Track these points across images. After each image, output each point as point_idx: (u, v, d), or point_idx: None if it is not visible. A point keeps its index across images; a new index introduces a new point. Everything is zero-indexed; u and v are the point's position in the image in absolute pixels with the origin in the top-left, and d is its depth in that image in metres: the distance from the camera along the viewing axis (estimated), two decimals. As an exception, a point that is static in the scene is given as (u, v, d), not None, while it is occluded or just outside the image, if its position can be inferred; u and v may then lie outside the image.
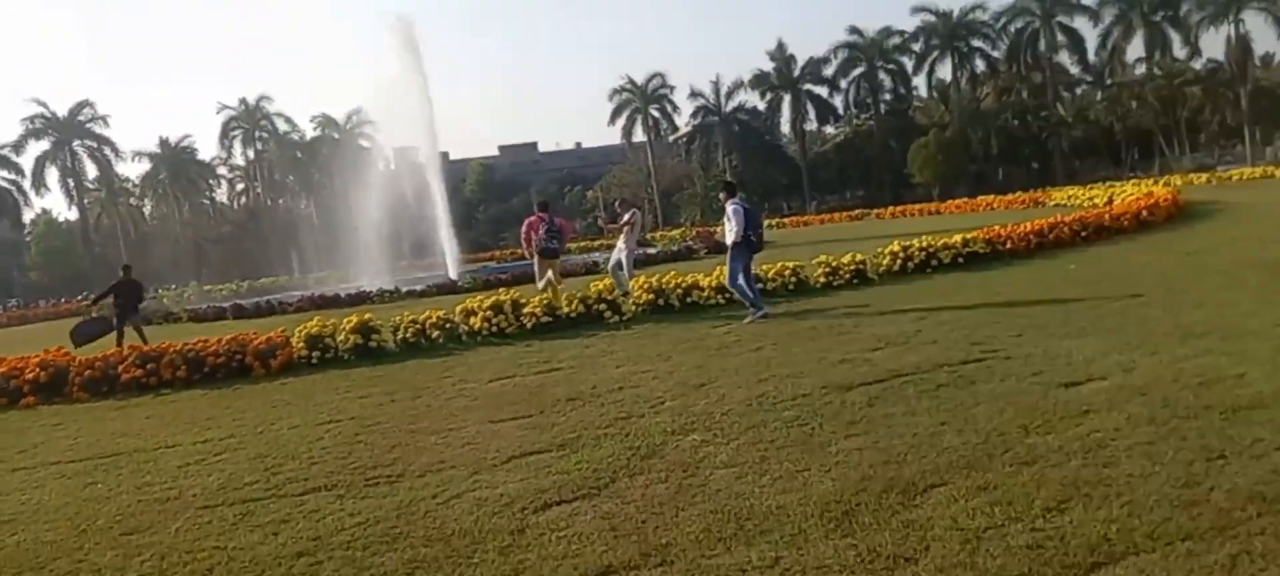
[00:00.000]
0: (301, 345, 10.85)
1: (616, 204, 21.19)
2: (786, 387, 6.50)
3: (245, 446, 6.70)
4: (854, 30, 61.82)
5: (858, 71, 62.58)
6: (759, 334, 9.25)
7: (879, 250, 13.75)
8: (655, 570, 3.61)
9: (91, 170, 65.05)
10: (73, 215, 68.41)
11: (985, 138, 60.04)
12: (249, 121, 68.02)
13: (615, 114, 66.45)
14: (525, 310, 11.44)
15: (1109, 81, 59.74)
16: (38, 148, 62.88)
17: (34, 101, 63.24)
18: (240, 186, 76.36)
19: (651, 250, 27.57)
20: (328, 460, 5.97)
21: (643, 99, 65.55)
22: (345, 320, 11.31)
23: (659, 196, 66.48)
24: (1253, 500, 3.57)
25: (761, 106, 65.75)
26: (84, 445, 7.50)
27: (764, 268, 12.61)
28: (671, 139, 69.84)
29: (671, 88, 66.12)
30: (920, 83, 64.35)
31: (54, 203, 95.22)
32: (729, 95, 64.84)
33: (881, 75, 62.96)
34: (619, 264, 14.19)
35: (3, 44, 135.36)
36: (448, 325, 11.36)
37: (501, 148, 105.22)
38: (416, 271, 32.56)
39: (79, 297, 40.24)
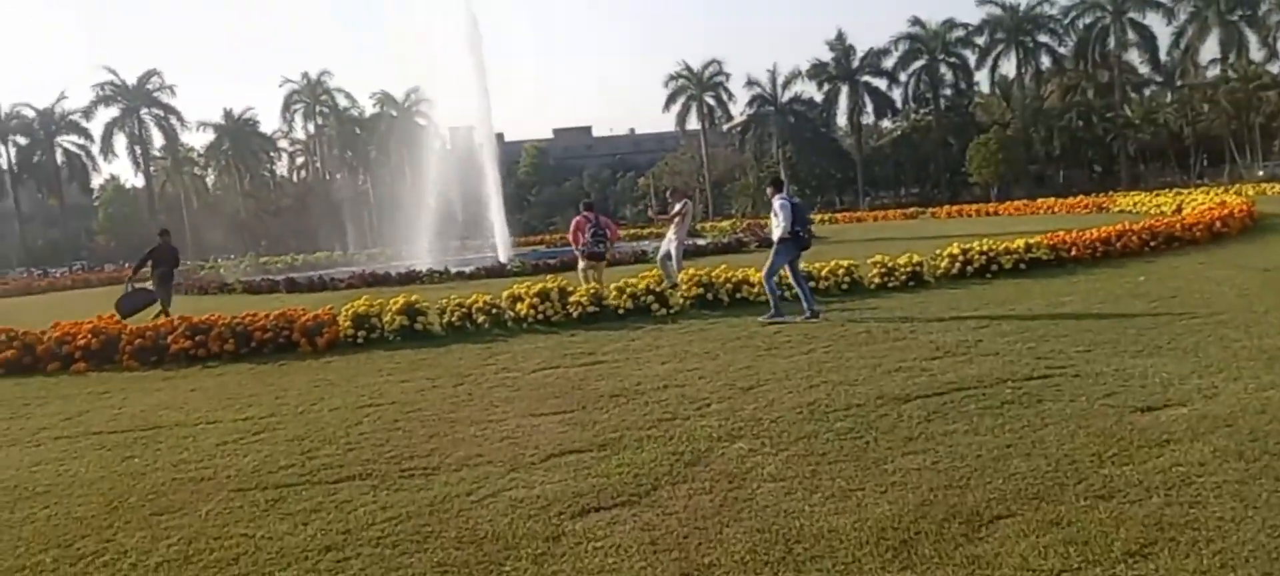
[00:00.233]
0: (348, 324, 10.83)
1: (667, 193, 20.90)
2: (839, 396, 6.21)
3: (284, 426, 6.64)
4: (916, 21, 60.42)
5: (918, 64, 61.13)
6: (810, 335, 8.94)
7: (937, 252, 13.30)
8: (696, 593, 3.38)
9: (158, 138, 66.76)
10: (139, 182, 70.35)
11: (1047, 138, 58.21)
12: (310, 96, 69.26)
13: (670, 100, 65.99)
14: (572, 299, 11.28)
15: (1180, 83, 57.46)
16: (107, 114, 64.83)
17: (104, 68, 65.11)
18: (300, 160, 77.89)
19: (701, 241, 27.20)
20: (364, 446, 5.86)
21: (698, 86, 64.88)
22: (392, 300, 11.26)
23: (710, 186, 65.93)
24: (1362, 556, 3.22)
25: (818, 98, 64.75)
26: (127, 416, 7.52)
27: (817, 266, 12.27)
28: (725, 128, 69.10)
29: (728, 75, 65.44)
30: (982, 78, 62.90)
31: (121, 169, 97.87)
32: (785, 85, 63.92)
33: (943, 69, 61.40)
34: (668, 254, 13.96)
35: (79, 14, 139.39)
36: (494, 310, 11.25)
37: (556, 130, 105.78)
38: (466, 253, 32.65)
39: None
